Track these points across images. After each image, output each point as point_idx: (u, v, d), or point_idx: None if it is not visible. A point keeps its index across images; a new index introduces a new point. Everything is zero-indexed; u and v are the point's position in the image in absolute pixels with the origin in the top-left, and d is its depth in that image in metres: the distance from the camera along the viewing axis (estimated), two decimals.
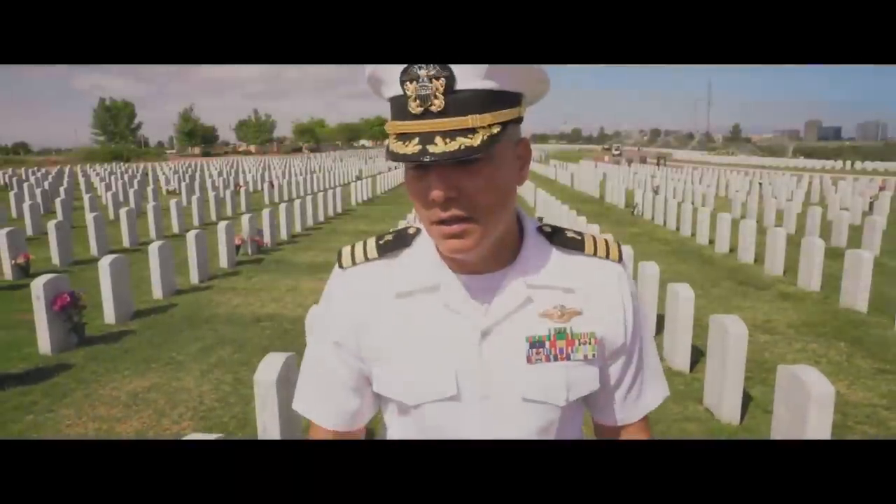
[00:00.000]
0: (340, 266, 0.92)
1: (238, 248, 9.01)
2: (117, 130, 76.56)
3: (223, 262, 8.48)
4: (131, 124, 79.28)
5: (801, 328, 5.80)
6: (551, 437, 0.88)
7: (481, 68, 0.71)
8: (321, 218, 14.13)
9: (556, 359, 0.84)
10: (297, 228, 12.25)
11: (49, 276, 4.97)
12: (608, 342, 0.88)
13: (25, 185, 17.33)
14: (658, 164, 38.72)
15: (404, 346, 0.85)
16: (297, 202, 12.68)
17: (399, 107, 0.74)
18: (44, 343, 4.89)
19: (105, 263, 5.71)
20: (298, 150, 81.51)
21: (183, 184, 18.81)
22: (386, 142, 0.79)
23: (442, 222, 0.76)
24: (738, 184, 22.41)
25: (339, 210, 15.83)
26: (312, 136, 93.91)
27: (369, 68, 0.77)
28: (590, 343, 0.86)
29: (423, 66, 0.71)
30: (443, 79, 0.70)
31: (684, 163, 45.64)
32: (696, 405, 3.97)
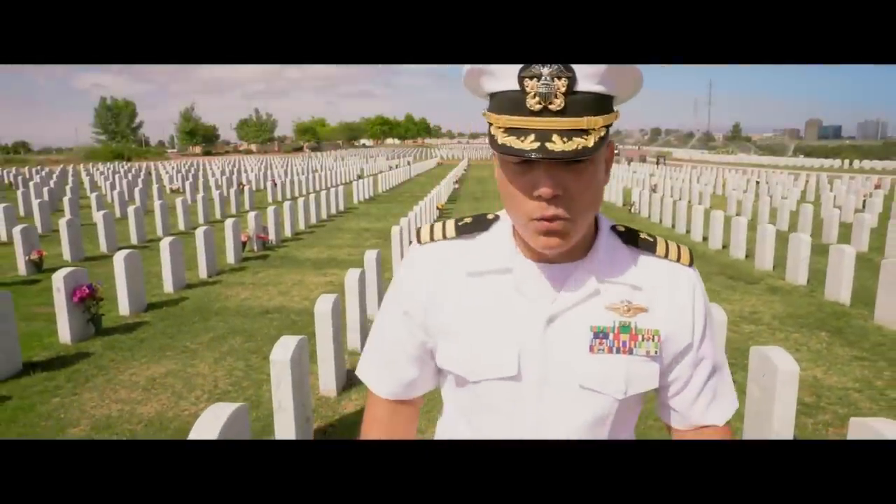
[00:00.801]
0: (419, 241, 0.95)
1: (244, 244, 9.27)
2: (118, 130, 76.85)
3: (230, 258, 8.74)
4: (132, 123, 79.59)
5: (785, 319, 6.06)
6: (605, 430, 0.89)
7: (599, 71, 0.73)
8: (324, 216, 14.39)
9: (618, 351, 0.85)
10: (301, 226, 12.51)
11: (69, 269, 5.24)
12: (673, 342, 0.89)
13: (31, 183, 17.58)
14: (657, 163, 38.96)
15: (471, 323, 0.87)
16: (300, 200, 12.94)
17: (511, 102, 0.75)
18: (64, 333, 5.16)
19: (120, 258, 5.97)
20: (299, 149, 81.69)
21: (187, 182, 19.06)
22: (490, 132, 0.80)
23: (542, 218, 0.78)
24: (735, 182, 22.66)
25: (341, 208, 16.09)
26: (313, 136, 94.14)
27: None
28: (653, 340, 0.86)
29: (546, 64, 0.71)
30: (565, 79, 0.72)
31: (684, 161, 45.89)
32: None
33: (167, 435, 3.57)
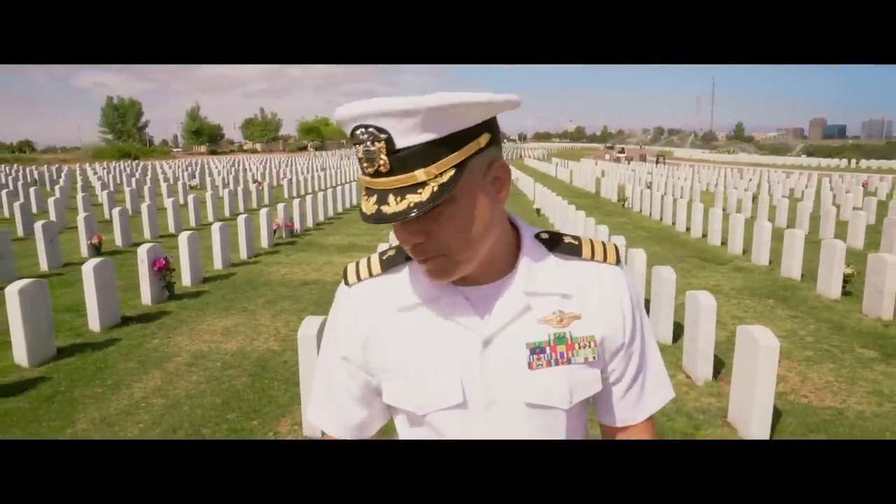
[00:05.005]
0: (346, 283, 0.94)
1: (275, 231, 10.45)
2: (125, 129, 77.86)
3: (264, 242, 9.93)
4: (138, 123, 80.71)
5: (742, 290, 7.20)
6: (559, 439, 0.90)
7: (415, 123, 0.71)
8: (340, 209, 15.64)
9: (556, 363, 0.86)
10: (321, 217, 13.72)
11: (150, 244, 6.42)
12: (608, 343, 0.89)
13: (61, 180, 18.79)
14: (657, 162, 40.01)
15: (410, 358, 0.88)
16: (319, 195, 14.16)
17: (360, 162, 0.76)
18: (145, 296, 6.33)
19: (184, 238, 7.15)
20: (304, 148, 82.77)
21: (208, 179, 20.25)
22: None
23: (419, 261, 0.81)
24: (729, 180, 23.79)
25: (355, 203, 17.30)
26: (318, 135, 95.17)
27: (339, 115, 0.76)
28: (590, 346, 0.87)
29: (363, 129, 0.72)
30: (382, 141, 0.71)
31: (683, 161, 46.96)
32: None
33: (251, 361, 4.73)
